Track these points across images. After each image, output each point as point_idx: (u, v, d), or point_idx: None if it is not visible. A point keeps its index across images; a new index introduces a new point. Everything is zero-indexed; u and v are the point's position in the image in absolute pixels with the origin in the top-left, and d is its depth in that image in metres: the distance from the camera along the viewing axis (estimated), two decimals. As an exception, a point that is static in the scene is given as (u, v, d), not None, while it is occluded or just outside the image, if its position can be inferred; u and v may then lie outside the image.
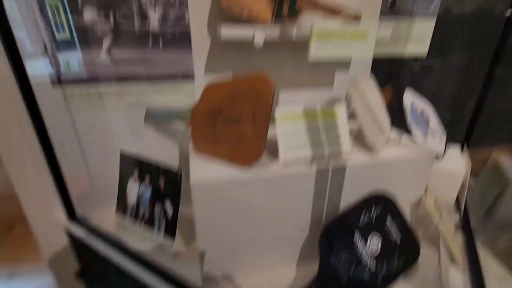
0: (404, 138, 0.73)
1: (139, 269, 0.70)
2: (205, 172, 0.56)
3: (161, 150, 0.82)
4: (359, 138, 0.70)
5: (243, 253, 0.63)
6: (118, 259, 0.74)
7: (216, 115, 0.62)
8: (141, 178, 0.75)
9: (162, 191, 0.71)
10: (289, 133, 0.58)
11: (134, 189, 0.76)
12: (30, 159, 0.79)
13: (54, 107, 0.72)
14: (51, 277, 1.48)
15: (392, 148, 0.67)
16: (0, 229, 1.79)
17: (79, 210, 0.84)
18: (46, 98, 0.69)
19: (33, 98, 0.67)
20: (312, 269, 0.67)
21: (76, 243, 0.89)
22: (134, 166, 0.76)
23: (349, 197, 0.64)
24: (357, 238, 0.62)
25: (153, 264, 0.69)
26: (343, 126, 0.61)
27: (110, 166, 0.81)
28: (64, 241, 0.91)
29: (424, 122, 0.82)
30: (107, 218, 0.84)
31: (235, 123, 0.59)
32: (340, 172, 0.60)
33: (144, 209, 0.75)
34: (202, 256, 0.61)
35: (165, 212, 0.71)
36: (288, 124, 0.58)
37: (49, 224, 0.87)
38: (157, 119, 0.72)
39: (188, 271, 0.67)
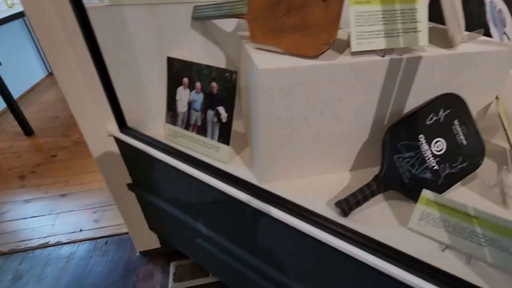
0: (481, 37, 0.65)
1: (194, 171, 0.72)
2: (269, 61, 0.52)
3: (209, 57, 0.78)
4: (432, 36, 0.63)
5: (300, 152, 0.63)
6: (171, 164, 0.77)
7: (277, 2, 0.56)
8: (192, 84, 0.73)
9: (215, 96, 0.69)
10: (363, 18, 0.52)
11: (184, 96, 0.75)
12: (81, 72, 0.77)
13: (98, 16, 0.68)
14: (96, 196, 1.62)
15: (470, 44, 0.60)
16: (46, 156, 1.92)
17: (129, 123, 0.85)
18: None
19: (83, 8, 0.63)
20: (366, 175, 0.67)
21: (128, 154, 0.93)
22: (184, 72, 0.73)
23: (416, 98, 0.60)
24: (423, 138, 0.59)
25: (207, 166, 0.72)
26: (423, 12, 0.54)
27: (155, 76, 0.79)
28: (116, 153, 0.95)
29: (501, 23, 0.72)
30: (156, 129, 0.86)
31: (300, 9, 0.53)
32: (414, 63, 0.55)
33: (196, 116, 0.75)
34: (261, 152, 0.61)
35: (218, 116, 0.70)
36: (362, 7, 0.52)
37: (102, 136, 0.90)
38: (207, 14, 0.67)
39: (242, 175, 0.69)
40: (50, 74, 3.22)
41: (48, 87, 2.94)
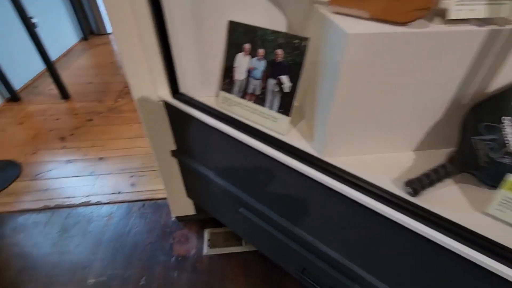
0: None
1: (252, 141, 0.72)
2: (357, 26, 0.49)
3: (269, 23, 0.75)
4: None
5: (368, 128, 0.61)
6: (227, 132, 0.76)
7: (366, -39, 0.51)
8: (253, 51, 0.70)
9: (279, 64, 0.67)
10: (467, -18, 0.47)
11: (244, 63, 0.73)
12: (139, 33, 0.76)
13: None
14: (131, 162, 1.67)
15: None
16: (82, 120, 1.98)
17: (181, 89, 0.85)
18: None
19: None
20: (430, 157, 0.65)
21: (177, 121, 0.94)
22: (246, 37, 0.70)
23: (506, 75, 0.55)
24: (508, 120, 0.55)
25: (266, 136, 0.71)
26: (536, -23, 0.48)
27: (211, 40, 0.77)
28: (164, 119, 0.96)
29: None
30: (206, 96, 0.85)
31: (394, -31, 0.49)
32: (516, 37, 0.49)
33: (255, 84, 0.73)
34: (331, 125, 0.59)
35: (280, 86, 0.68)
36: (468, -31, 0.47)
37: (152, 101, 0.91)
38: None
39: (301, 147, 0.68)
40: (82, 39, 3.25)
41: (81, 53, 2.98)
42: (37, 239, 1.26)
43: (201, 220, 1.35)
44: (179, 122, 0.94)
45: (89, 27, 3.37)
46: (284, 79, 0.67)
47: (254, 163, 0.78)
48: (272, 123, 0.72)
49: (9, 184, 1.51)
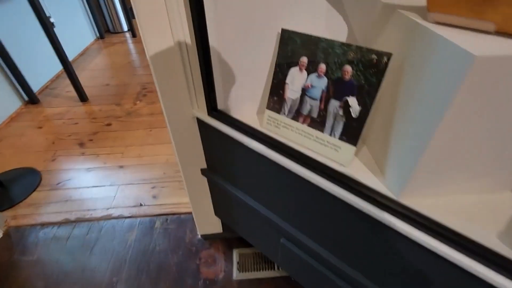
0: None
1: (305, 172, 0.61)
2: (480, 44, 0.36)
3: (329, 34, 0.62)
4: None
5: (465, 162, 0.48)
6: (273, 159, 0.66)
7: (489, -46, 0.38)
8: (312, 65, 0.59)
9: (346, 83, 0.55)
10: None
11: (298, 79, 0.61)
12: (176, 42, 0.66)
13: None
14: (152, 171, 1.59)
15: None
16: (101, 125, 1.91)
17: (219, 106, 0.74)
18: None
19: None
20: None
21: (211, 139, 0.83)
22: (303, 49, 0.59)
23: None
24: None
25: (323, 167, 0.59)
26: None
27: (259, 51, 0.65)
28: (196, 136, 0.86)
29: None
30: (252, 115, 0.74)
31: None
32: None
33: (312, 105, 0.61)
34: (423, 161, 0.47)
35: (346, 109, 0.56)
36: None
37: (185, 118, 0.80)
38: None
39: (369, 183, 0.56)
40: (98, 38, 3.20)
41: (97, 52, 2.92)
42: (58, 256, 1.20)
43: (227, 239, 1.26)
44: (213, 141, 0.83)
45: (105, 25, 3.31)
46: (352, 101, 0.55)
47: (304, 195, 0.67)
48: (333, 152, 0.60)
49: (30, 194, 1.46)
